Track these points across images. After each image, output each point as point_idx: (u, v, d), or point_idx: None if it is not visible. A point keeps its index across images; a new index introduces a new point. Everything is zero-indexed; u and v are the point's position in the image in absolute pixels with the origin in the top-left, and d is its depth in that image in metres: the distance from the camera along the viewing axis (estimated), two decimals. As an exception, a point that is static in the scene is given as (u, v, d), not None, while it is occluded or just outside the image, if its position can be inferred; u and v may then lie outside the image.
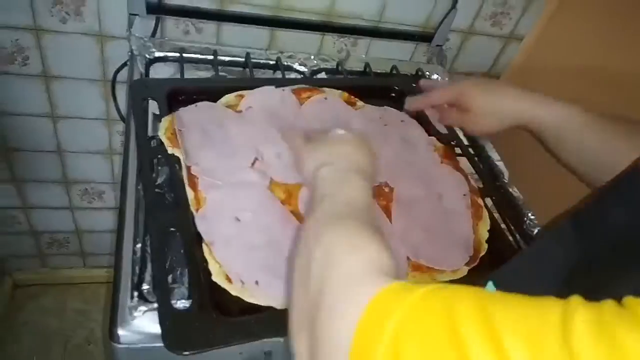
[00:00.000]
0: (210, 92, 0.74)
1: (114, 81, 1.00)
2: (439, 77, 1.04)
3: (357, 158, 0.55)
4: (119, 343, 0.52)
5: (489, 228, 0.68)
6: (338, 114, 0.79)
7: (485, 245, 0.66)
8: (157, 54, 0.88)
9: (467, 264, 0.64)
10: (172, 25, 0.95)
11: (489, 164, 0.84)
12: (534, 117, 0.66)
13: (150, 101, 0.70)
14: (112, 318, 0.52)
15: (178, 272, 0.56)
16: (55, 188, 1.24)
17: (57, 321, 1.43)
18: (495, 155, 0.86)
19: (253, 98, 0.75)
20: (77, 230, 1.38)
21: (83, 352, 1.37)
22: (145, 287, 0.56)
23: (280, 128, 0.70)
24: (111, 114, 1.10)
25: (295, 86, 0.79)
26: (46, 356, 1.35)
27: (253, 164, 0.67)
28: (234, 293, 0.53)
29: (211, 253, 0.55)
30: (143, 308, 0.53)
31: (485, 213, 0.70)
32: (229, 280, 0.54)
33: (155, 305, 0.52)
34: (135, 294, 0.55)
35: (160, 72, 0.83)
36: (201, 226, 0.58)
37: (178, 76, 0.81)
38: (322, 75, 0.95)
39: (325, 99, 0.80)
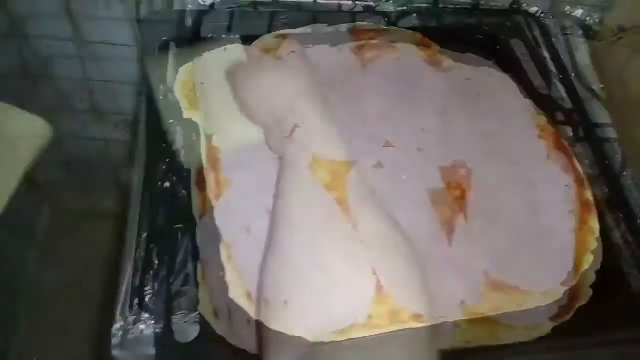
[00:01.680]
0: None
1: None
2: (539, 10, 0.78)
3: None
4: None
5: (597, 235, 0.51)
6: (417, 79, 0.61)
7: (590, 258, 0.50)
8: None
9: (563, 283, 0.49)
10: None
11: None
12: None
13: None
14: (106, 332, 0.42)
15: (188, 282, 0.44)
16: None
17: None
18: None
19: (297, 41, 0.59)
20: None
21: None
22: (148, 291, 0.45)
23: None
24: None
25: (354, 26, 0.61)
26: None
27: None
28: (254, 316, 0.41)
29: (230, 258, 0.43)
30: (141, 327, 0.42)
31: (594, 210, 0.53)
32: (249, 297, 0.42)
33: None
34: (135, 301, 0.44)
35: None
36: (220, 220, 0.45)
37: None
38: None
39: (398, 58, 0.61)
